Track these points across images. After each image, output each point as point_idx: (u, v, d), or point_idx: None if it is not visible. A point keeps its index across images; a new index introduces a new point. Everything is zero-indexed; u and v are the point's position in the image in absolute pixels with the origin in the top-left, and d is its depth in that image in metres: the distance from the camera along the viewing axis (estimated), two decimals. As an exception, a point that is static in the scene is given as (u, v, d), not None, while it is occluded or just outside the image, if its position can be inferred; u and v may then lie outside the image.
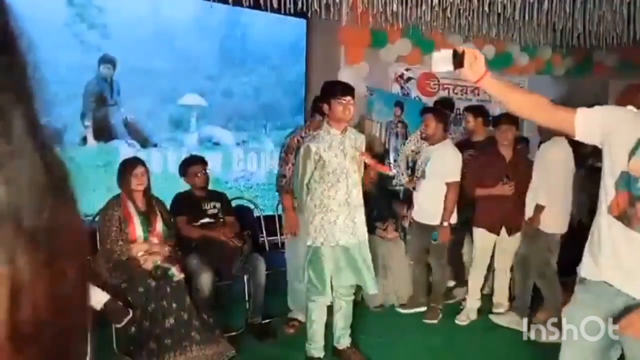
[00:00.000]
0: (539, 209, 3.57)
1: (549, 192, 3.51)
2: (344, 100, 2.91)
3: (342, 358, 3.20)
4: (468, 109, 4.61)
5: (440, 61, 1.70)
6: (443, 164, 3.73)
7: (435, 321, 3.86)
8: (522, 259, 3.80)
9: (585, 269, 1.75)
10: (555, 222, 3.57)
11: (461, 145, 4.14)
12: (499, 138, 3.77)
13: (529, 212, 3.66)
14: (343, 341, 3.20)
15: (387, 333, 3.65)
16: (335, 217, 2.95)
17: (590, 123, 1.65)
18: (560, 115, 1.72)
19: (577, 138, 1.70)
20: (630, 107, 1.77)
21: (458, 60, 1.67)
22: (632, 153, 1.57)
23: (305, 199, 3.02)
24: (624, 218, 1.60)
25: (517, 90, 1.80)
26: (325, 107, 2.97)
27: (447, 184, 3.71)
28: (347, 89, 2.97)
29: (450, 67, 1.70)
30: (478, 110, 4.46)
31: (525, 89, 2.01)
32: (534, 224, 3.60)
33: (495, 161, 3.79)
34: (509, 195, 3.72)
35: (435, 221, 3.74)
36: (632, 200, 1.58)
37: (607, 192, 1.64)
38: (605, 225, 1.65)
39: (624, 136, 1.60)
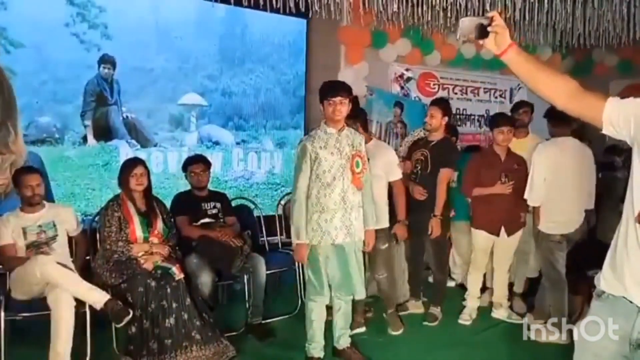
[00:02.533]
0: (533, 208, 3.60)
1: (541, 192, 3.50)
2: (333, 100, 2.92)
3: (342, 358, 3.20)
4: (436, 102, 3.99)
5: (467, 28, 1.54)
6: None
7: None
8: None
9: (605, 281, 1.55)
10: (551, 222, 3.54)
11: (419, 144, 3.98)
12: (496, 138, 3.76)
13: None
14: (343, 341, 3.20)
15: (386, 333, 3.65)
16: (332, 216, 2.95)
17: (620, 116, 1.44)
18: (589, 103, 1.48)
19: (603, 131, 1.47)
20: None
21: (483, 29, 1.51)
22: None
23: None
24: None
25: (544, 70, 1.53)
26: (321, 107, 3.00)
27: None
28: (335, 89, 2.95)
29: (473, 36, 1.53)
30: (445, 105, 3.96)
31: (551, 68, 1.58)
32: (535, 223, 3.61)
33: (491, 161, 3.78)
34: (508, 195, 3.70)
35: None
36: None
37: (635, 197, 1.45)
38: (633, 237, 1.46)
39: None
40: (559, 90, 1.51)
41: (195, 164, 3.77)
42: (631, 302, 1.47)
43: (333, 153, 2.95)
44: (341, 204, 2.96)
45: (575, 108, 1.51)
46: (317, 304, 3.04)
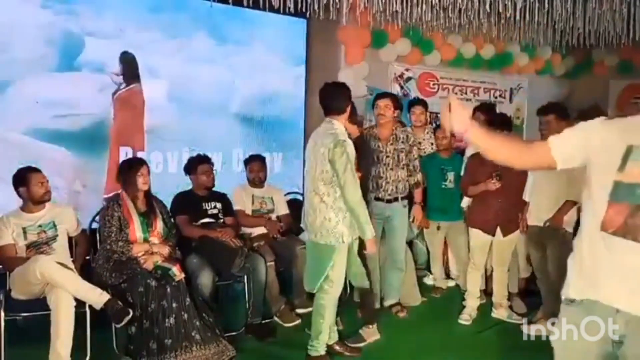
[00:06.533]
0: (567, 207, 3.48)
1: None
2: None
3: (333, 352, 3.22)
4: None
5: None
6: None
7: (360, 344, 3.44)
8: (541, 263, 3.70)
9: (575, 289, 1.61)
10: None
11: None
12: None
13: (549, 212, 3.55)
14: (334, 335, 3.25)
15: (385, 332, 3.65)
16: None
17: (567, 150, 1.60)
18: (536, 152, 1.66)
19: (559, 168, 1.62)
20: (602, 118, 1.63)
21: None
22: (625, 160, 1.49)
23: (330, 199, 2.96)
24: (625, 232, 1.48)
25: (497, 139, 1.74)
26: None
27: None
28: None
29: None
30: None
31: (503, 135, 2.04)
32: (559, 223, 3.51)
33: (488, 161, 3.76)
34: (505, 195, 3.69)
35: None
36: (634, 211, 1.46)
37: (596, 207, 1.54)
38: (600, 245, 1.53)
39: (610, 147, 1.52)
40: (509, 153, 1.70)
41: (205, 163, 3.79)
42: (606, 304, 1.52)
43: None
44: None
45: (529, 162, 1.70)
46: (333, 303, 3.07)
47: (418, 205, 3.98)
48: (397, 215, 3.85)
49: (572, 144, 1.60)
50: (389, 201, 3.81)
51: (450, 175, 4.23)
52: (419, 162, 3.90)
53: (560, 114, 3.61)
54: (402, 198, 3.86)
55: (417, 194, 3.95)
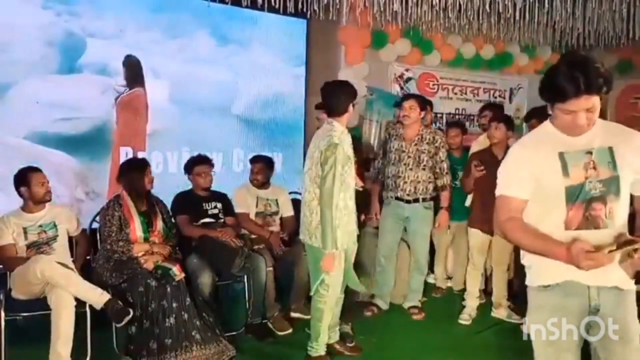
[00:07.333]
0: None
1: None
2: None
3: (333, 352, 3.22)
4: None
5: None
6: None
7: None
8: None
9: (550, 275, 1.75)
10: None
11: None
12: (490, 136, 3.84)
13: None
14: (332, 336, 3.24)
15: (384, 333, 3.65)
16: (353, 217, 3.00)
17: (522, 189, 1.75)
18: (518, 209, 1.78)
19: (529, 201, 1.77)
20: (516, 145, 1.87)
21: None
22: (564, 166, 1.68)
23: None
24: (588, 225, 1.68)
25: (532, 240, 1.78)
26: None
27: None
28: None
29: None
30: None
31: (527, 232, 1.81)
32: None
33: (487, 160, 3.77)
34: None
35: None
36: (587, 205, 1.67)
37: (556, 215, 1.70)
38: (565, 240, 1.65)
39: (546, 161, 1.70)
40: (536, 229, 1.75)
41: (203, 164, 3.79)
42: (578, 282, 1.69)
43: (352, 153, 3.00)
44: (354, 204, 3.00)
45: (521, 216, 1.79)
46: (330, 307, 3.04)
47: (445, 210, 3.87)
48: (417, 217, 3.82)
49: (520, 180, 1.76)
50: (408, 202, 3.79)
51: (461, 175, 4.22)
52: (447, 164, 3.83)
53: (541, 118, 3.60)
54: (424, 200, 3.82)
55: (444, 198, 3.86)
